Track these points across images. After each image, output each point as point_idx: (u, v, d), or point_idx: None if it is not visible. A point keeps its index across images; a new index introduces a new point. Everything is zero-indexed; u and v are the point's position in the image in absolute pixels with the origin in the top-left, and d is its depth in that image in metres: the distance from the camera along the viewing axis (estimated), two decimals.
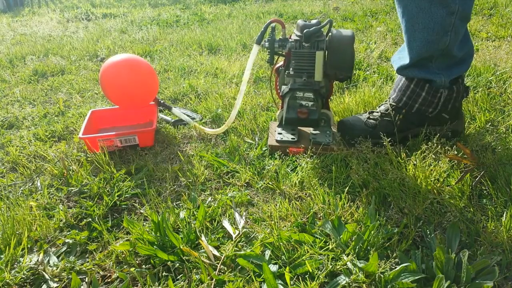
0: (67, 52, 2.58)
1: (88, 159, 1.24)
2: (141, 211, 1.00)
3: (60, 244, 0.91)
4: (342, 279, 0.74)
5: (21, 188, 1.12)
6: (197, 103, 1.62)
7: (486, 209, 0.90)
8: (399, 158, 1.06)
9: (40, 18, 4.11)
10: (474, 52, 1.17)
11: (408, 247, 0.82)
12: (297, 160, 1.12)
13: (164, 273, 0.80)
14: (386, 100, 1.21)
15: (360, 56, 2.02)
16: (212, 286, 0.75)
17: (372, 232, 0.81)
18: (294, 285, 0.74)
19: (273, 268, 0.77)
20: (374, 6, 3.32)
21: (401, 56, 1.15)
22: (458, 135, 1.19)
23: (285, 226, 0.90)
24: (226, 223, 0.91)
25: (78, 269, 0.83)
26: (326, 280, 0.75)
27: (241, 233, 0.88)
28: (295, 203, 0.96)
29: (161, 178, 1.13)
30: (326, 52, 1.11)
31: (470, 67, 1.16)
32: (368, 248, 0.80)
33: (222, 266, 0.80)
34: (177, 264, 0.81)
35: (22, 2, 5.18)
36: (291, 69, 1.14)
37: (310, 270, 0.76)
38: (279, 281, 0.75)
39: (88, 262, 0.85)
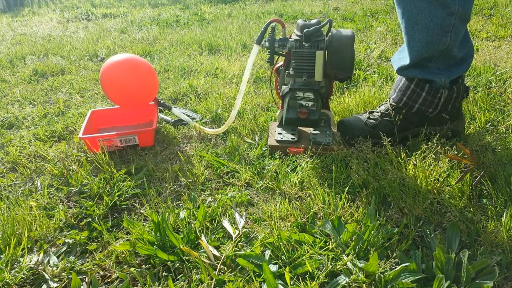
0: (67, 52, 2.58)
1: (88, 159, 1.24)
2: (141, 211, 1.00)
3: (60, 244, 0.91)
4: (342, 279, 0.74)
5: (21, 188, 1.12)
6: (197, 103, 1.62)
7: (486, 209, 0.90)
8: (399, 158, 1.06)
9: (40, 18, 4.12)
10: (474, 52, 1.17)
11: (408, 247, 0.82)
12: (297, 160, 1.12)
13: (164, 273, 0.80)
14: (386, 100, 1.21)
15: (360, 56, 2.02)
16: (212, 286, 0.75)
17: (372, 232, 0.81)
18: (294, 285, 0.74)
19: (273, 268, 0.77)
20: (374, 6, 3.32)
21: (401, 57, 1.15)
22: (458, 135, 1.19)
23: (285, 226, 0.90)
24: (226, 223, 0.91)
25: (78, 269, 0.83)
26: (326, 280, 0.75)
27: (241, 233, 0.88)
28: (295, 203, 0.96)
29: (161, 178, 1.13)
30: (326, 52, 1.11)
31: (470, 67, 1.16)
32: (368, 248, 0.80)
33: (222, 266, 0.80)
34: (177, 264, 0.81)
35: (22, 2, 5.18)
36: (291, 69, 1.14)
37: (310, 270, 0.76)
38: (279, 281, 0.75)
39: (88, 262, 0.85)
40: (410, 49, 1.09)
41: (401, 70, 1.15)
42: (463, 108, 1.27)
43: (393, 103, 1.17)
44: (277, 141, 1.20)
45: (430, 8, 1.00)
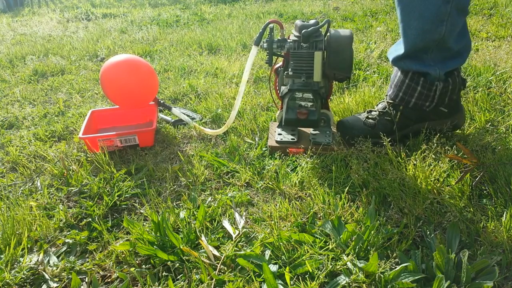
0: (67, 52, 2.58)
1: (88, 159, 1.24)
2: (141, 211, 1.00)
3: (60, 244, 0.91)
4: (342, 279, 0.74)
5: (21, 188, 1.12)
6: (197, 103, 1.62)
7: (486, 209, 0.90)
8: (399, 158, 1.06)
9: (40, 18, 4.12)
10: (471, 47, 1.16)
11: (408, 247, 0.82)
12: (297, 160, 1.12)
13: (164, 273, 0.80)
14: (383, 99, 1.21)
15: (360, 56, 2.02)
16: (212, 286, 0.75)
17: (372, 232, 0.81)
18: (294, 285, 0.74)
19: (273, 268, 0.77)
20: (374, 6, 3.32)
21: (398, 49, 1.15)
22: (459, 128, 1.19)
23: (285, 226, 0.90)
24: (226, 223, 0.91)
25: (78, 269, 0.83)
26: (326, 280, 0.75)
27: (241, 233, 0.88)
28: (295, 203, 0.96)
29: (161, 178, 1.14)
30: (325, 52, 1.11)
31: (466, 61, 1.16)
32: (368, 248, 0.80)
33: (222, 266, 0.80)
34: (177, 264, 0.81)
35: (22, 2, 5.18)
36: (290, 69, 1.14)
37: (310, 270, 0.76)
38: (279, 281, 0.75)
39: (88, 262, 0.85)
40: (406, 37, 1.08)
41: (396, 61, 1.15)
42: (460, 98, 1.26)
43: (390, 100, 1.17)
44: (277, 141, 1.20)
45: None
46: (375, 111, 1.19)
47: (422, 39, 1.06)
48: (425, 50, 1.09)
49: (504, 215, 0.85)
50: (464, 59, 1.14)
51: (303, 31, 1.08)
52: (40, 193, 1.08)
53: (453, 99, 1.15)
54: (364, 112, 1.22)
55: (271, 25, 1.14)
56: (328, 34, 1.10)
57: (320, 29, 1.10)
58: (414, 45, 1.08)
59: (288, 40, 1.13)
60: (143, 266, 0.83)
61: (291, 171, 1.11)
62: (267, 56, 1.15)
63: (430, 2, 1.01)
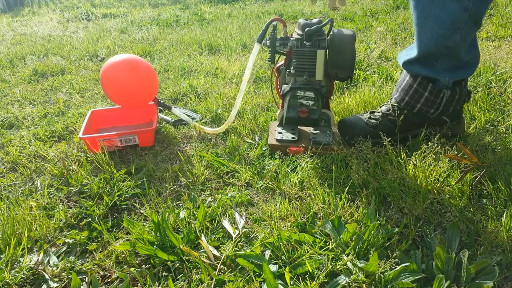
0: (67, 52, 2.58)
1: (88, 159, 1.24)
2: (141, 211, 1.00)
3: (60, 244, 0.91)
4: (342, 279, 0.74)
5: (21, 188, 1.12)
6: (197, 103, 1.62)
7: (486, 209, 0.90)
8: (399, 158, 1.06)
9: (40, 18, 4.12)
10: (479, 60, 1.16)
11: (408, 247, 0.82)
12: (297, 160, 1.12)
13: (164, 273, 0.80)
14: (388, 101, 1.21)
15: (360, 56, 2.02)
16: (212, 286, 0.75)
17: (372, 232, 0.81)
18: (294, 285, 0.74)
19: (273, 268, 0.77)
20: (374, 6, 3.31)
21: (409, 53, 1.15)
22: (457, 137, 1.19)
23: (285, 226, 0.90)
24: (226, 223, 0.91)
25: (78, 269, 0.83)
26: (326, 280, 0.75)
27: (241, 233, 0.88)
28: (295, 203, 0.96)
29: (161, 178, 1.13)
30: (327, 51, 1.11)
31: (473, 73, 1.16)
32: (368, 248, 0.80)
33: (222, 266, 0.80)
34: (177, 264, 0.81)
35: (22, 2, 5.18)
36: (292, 68, 1.14)
37: (310, 270, 0.76)
38: (279, 281, 0.75)
39: (88, 262, 0.85)
40: (419, 41, 1.08)
41: (407, 64, 1.15)
42: (463, 108, 1.27)
43: (395, 103, 1.17)
44: (277, 140, 1.20)
45: (444, 0, 1.00)
46: (378, 112, 1.19)
47: (436, 44, 1.06)
48: (436, 57, 1.09)
49: (504, 215, 0.85)
50: (473, 70, 1.15)
51: (306, 29, 1.08)
52: (40, 193, 1.08)
53: (457, 109, 1.15)
54: (367, 112, 1.22)
55: (274, 23, 1.14)
56: (331, 33, 1.10)
57: (323, 28, 1.10)
58: (427, 49, 1.08)
59: (291, 38, 1.13)
60: (143, 266, 0.83)
61: (291, 171, 1.11)
62: (270, 54, 1.15)
63: (448, 8, 1.00)
